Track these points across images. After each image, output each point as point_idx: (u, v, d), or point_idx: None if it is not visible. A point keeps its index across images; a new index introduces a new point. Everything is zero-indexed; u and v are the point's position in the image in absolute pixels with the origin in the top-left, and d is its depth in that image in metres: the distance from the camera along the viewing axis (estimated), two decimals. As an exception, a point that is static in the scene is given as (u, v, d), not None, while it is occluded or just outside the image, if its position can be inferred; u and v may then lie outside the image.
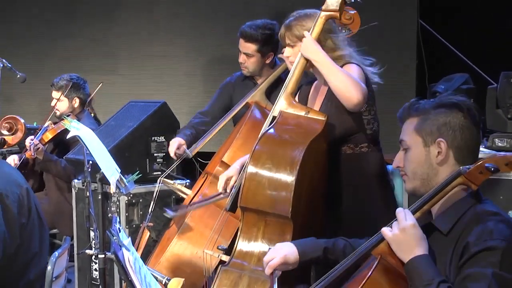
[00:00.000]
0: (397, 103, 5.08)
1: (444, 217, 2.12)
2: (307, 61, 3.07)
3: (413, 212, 2.09)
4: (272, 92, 3.87)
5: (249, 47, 3.97)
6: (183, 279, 2.34)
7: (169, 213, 3.56)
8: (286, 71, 3.64)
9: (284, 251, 2.46)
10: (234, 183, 3.09)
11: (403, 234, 2.04)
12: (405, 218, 2.06)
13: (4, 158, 5.04)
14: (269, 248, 2.54)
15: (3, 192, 2.73)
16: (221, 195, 3.20)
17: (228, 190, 3.12)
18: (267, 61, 4.02)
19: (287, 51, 3.22)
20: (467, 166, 2.04)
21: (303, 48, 3.06)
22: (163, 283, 2.36)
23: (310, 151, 2.88)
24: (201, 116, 4.15)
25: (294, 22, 3.17)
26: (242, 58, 4.04)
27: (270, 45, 3.98)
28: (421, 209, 2.10)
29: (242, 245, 2.89)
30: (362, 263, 2.17)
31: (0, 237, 2.68)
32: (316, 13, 3.11)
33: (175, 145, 3.90)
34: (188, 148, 3.91)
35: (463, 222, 2.08)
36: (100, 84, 5.16)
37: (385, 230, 2.08)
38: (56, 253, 2.92)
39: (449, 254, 2.05)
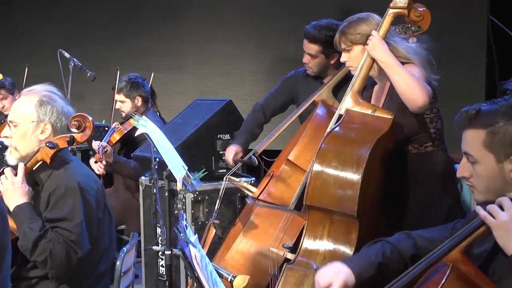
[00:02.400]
0: (466, 101, 4.98)
1: None
2: (373, 60, 3.05)
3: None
4: (339, 90, 3.81)
5: (312, 48, 3.94)
6: (249, 276, 2.33)
7: (249, 200, 3.57)
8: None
9: (343, 277, 2.29)
10: None
11: None
12: None
13: (74, 154, 5.15)
14: (315, 268, 2.34)
15: (84, 187, 2.81)
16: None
17: None
18: (332, 62, 3.98)
19: (343, 56, 3.26)
20: None
21: (370, 47, 3.06)
22: (229, 280, 2.36)
23: (376, 149, 2.85)
24: (258, 114, 4.17)
25: (347, 27, 3.21)
26: (306, 59, 4.01)
27: (334, 46, 3.94)
28: None
29: (308, 243, 2.88)
30: (428, 270, 2.06)
31: (83, 231, 2.76)
32: (369, 16, 3.17)
33: (232, 153, 3.98)
34: (246, 153, 3.95)
35: None
36: (152, 75, 5.22)
37: (489, 217, 1.95)
38: (124, 249, 2.98)
39: None
